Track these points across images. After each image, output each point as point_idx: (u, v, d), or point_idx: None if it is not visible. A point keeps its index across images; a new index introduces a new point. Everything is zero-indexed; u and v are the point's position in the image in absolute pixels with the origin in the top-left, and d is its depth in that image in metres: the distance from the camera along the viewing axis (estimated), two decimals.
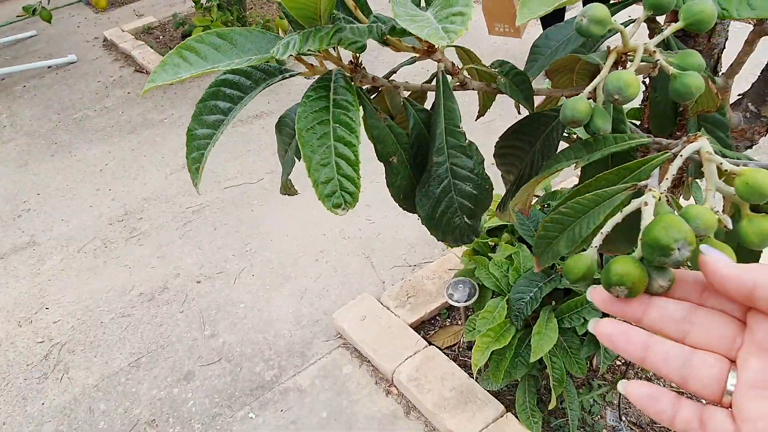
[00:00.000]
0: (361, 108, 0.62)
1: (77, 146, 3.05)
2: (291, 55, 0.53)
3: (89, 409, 1.72)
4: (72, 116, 3.38)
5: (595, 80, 0.54)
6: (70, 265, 2.25)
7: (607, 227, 0.36)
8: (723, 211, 0.37)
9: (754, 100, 1.02)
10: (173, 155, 2.84)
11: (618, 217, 0.36)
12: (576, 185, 0.51)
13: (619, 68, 0.61)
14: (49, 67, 4.11)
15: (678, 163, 0.35)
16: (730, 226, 0.32)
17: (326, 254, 2.12)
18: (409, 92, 0.72)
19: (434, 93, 0.65)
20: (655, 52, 0.51)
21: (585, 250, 0.36)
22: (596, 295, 0.33)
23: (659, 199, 0.33)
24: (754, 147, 0.94)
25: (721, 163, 0.33)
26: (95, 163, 2.88)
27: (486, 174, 0.66)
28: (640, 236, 0.31)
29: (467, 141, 0.64)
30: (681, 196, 1.14)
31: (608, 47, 0.62)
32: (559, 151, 0.62)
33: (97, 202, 2.59)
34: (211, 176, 2.63)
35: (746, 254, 0.42)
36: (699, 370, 0.30)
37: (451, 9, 0.44)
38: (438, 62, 0.63)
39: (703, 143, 0.37)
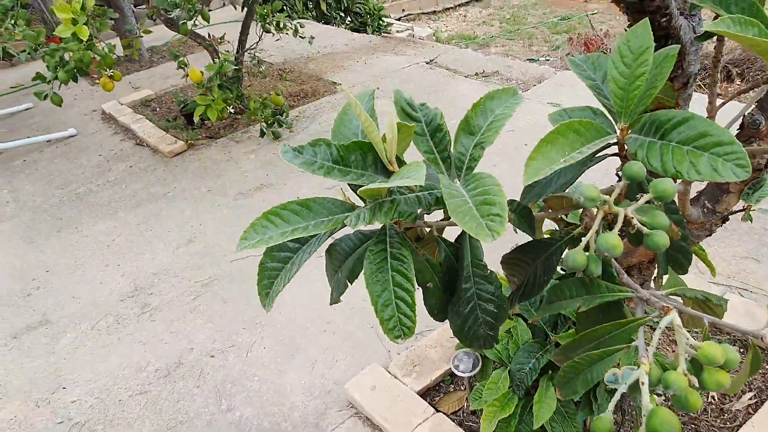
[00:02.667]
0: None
1: (83, 222, 3.17)
2: (362, 225, 0.70)
3: None
4: (75, 191, 3.51)
5: (587, 235, 0.73)
6: (84, 343, 2.33)
7: (617, 396, 0.52)
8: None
9: (710, 199, 1.24)
10: (179, 229, 2.98)
11: (621, 389, 0.52)
12: (576, 329, 0.69)
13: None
14: (49, 141, 4.26)
15: (657, 334, 0.53)
16: (697, 385, 0.50)
17: (333, 325, 2.25)
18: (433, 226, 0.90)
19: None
20: (632, 217, 0.70)
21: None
22: None
23: (650, 369, 0.50)
24: None
25: (688, 339, 0.51)
26: (102, 238, 3.00)
27: (504, 296, 0.83)
28: (643, 420, 0.47)
29: (489, 271, 0.82)
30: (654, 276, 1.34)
31: (579, 197, 0.81)
32: (559, 280, 0.80)
33: (106, 278, 2.69)
34: (217, 250, 2.77)
35: None
36: None
37: (490, 208, 0.62)
38: None
39: (674, 317, 0.54)
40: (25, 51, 3.04)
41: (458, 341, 1.56)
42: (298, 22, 3.63)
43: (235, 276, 2.59)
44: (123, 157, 3.87)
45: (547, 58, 8.09)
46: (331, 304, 0.95)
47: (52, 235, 3.09)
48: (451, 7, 10.73)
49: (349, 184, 0.74)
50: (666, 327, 0.59)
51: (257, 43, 3.79)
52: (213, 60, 3.80)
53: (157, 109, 4.63)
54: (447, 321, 0.88)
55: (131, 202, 3.29)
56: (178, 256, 2.78)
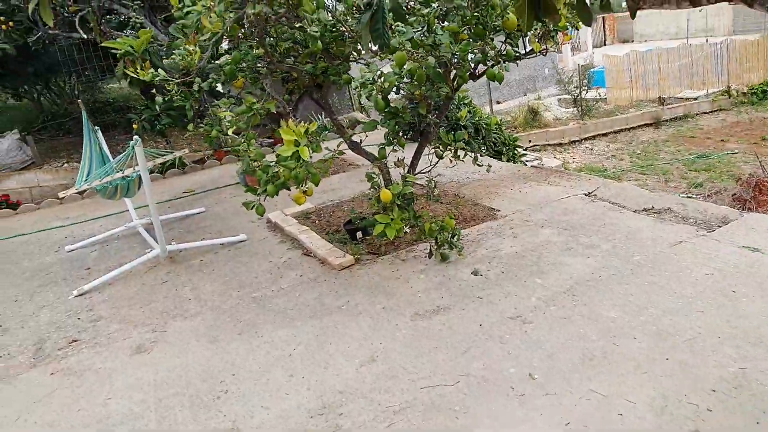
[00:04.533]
0: None
1: (262, 326, 3.23)
2: None
3: None
4: (251, 294, 3.64)
5: None
6: None
7: None
8: None
9: None
10: (358, 345, 2.93)
11: None
12: None
13: None
14: (222, 244, 4.56)
15: None
16: None
17: None
18: None
19: None
20: None
21: None
22: None
23: None
24: None
25: None
26: (283, 346, 3.01)
27: None
28: None
29: None
30: None
31: None
32: None
33: (292, 390, 2.65)
34: (404, 373, 2.66)
35: None
36: None
37: None
38: None
39: None
40: (238, 164, 3.34)
41: None
42: (478, 152, 3.77)
43: (428, 406, 2.44)
44: (292, 265, 4.02)
45: (689, 195, 7.80)
46: None
47: (234, 336, 3.16)
48: (577, 140, 10.93)
49: None
50: None
51: (432, 167, 3.95)
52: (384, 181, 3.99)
53: (316, 222, 4.88)
54: None
55: (306, 312, 3.34)
56: (362, 375, 2.70)
